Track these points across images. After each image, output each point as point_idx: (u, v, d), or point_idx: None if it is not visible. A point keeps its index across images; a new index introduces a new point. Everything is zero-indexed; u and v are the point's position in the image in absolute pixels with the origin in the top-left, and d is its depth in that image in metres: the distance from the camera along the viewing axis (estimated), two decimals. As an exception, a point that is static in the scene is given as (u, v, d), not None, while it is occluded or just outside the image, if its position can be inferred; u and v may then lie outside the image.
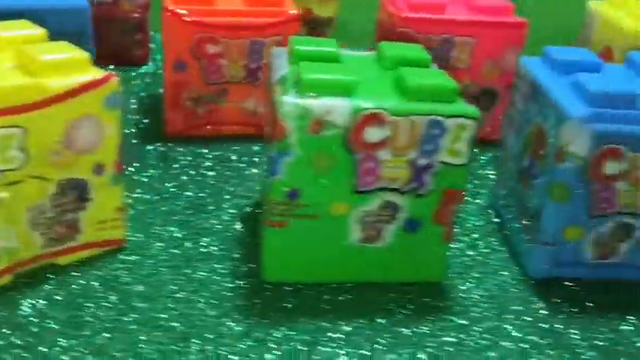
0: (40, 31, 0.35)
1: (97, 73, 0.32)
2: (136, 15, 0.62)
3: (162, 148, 0.49)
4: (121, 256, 0.36)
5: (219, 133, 0.51)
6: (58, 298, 0.33)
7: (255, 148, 0.50)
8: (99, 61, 0.51)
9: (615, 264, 0.36)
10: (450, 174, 0.33)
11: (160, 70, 0.61)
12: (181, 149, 0.49)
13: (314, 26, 0.68)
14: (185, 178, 0.45)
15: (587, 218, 0.35)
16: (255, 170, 0.46)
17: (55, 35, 0.44)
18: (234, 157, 0.48)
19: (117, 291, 0.34)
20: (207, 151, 0.49)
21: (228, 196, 0.43)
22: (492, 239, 0.41)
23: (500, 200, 0.42)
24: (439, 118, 0.31)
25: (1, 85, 0.29)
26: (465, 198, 0.45)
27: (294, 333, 0.32)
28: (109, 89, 0.32)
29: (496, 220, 0.42)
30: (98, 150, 0.33)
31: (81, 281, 0.34)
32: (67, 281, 0.34)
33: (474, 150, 0.51)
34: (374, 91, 0.32)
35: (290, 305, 0.34)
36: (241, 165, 0.47)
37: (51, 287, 0.33)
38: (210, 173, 0.46)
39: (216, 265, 0.36)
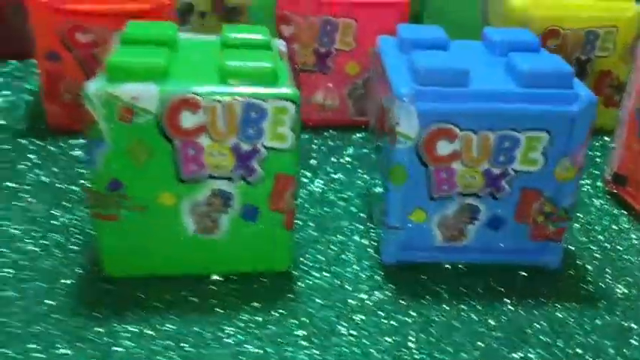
0: None
1: None
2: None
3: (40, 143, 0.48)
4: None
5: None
6: None
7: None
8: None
9: (464, 247, 0.36)
10: (278, 159, 0.32)
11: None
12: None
13: (227, 14, 0.67)
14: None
15: (429, 200, 0.34)
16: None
17: None
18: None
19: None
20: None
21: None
22: (359, 226, 0.40)
23: (370, 186, 0.42)
24: (256, 100, 0.31)
25: None
26: (345, 184, 0.45)
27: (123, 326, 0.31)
28: None
29: (368, 208, 0.42)
30: None
31: None
32: None
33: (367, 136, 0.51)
34: (190, 75, 0.31)
35: (129, 302, 0.33)
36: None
37: None
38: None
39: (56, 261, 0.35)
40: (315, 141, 0.50)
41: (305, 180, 0.45)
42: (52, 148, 0.47)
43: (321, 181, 0.45)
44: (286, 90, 0.31)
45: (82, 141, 0.47)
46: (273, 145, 0.31)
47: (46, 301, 0.33)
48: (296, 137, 0.32)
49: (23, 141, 0.47)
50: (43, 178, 0.43)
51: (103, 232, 0.33)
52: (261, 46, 0.35)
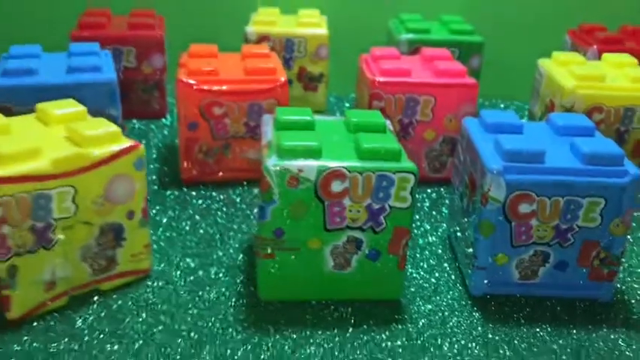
0: (81, 109, 0.46)
1: (126, 143, 0.43)
2: (155, 76, 0.73)
3: (177, 193, 0.59)
4: (148, 282, 0.46)
5: (226, 179, 0.61)
6: (102, 314, 0.43)
7: (255, 191, 0.60)
8: (124, 115, 0.62)
9: (535, 284, 0.46)
10: (398, 215, 0.43)
11: (175, 122, 0.72)
12: (194, 193, 0.59)
13: (308, 81, 0.79)
14: (197, 217, 0.55)
15: (511, 247, 0.44)
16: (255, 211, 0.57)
17: (90, 103, 0.55)
18: (238, 200, 0.59)
19: (146, 309, 0.44)
20: (215, 194, 0.59)
21: (232, 233, 0.53)
22: (446, 265, 0.50)
23: (452, 232, 0.52)
24: (388, 173, 0.41)
25: (60, 155, 0.40)
26: (429, 230, 0.55)
27: (282, 339, 0.42)
28: (137, 155, 0.43)
29: (449, 248, 0.52)
30: (130, 200, 0.43)
31: (119, 302, 0.44)
32: (108, 302, 0.44)
33: (440, 189, 0.61)
34: (337, 153, 0.42)
35: (281, 319, 0.43)
36: (244, 206, 0.58)
37: (97, 307, 0.44)
38: (219, 213, 0.56)
39: (223, 289, 0.46)
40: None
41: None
42: (187, 197, 0.58)
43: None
44: (408, 164, 0.42)
45: (203, 192, 0.59)
46: (396, 205, 0.42)
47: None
48: (413, 199, 0.42)
49: (166, 190, 0.59)
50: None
51: (261, 267, 0.44)
52: (379, 128, 0.46)
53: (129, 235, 0.44)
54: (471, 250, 0.46)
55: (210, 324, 0.43)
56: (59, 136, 0.42)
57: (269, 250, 0.43)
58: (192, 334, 0.42)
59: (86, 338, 0.41)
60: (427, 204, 0.60)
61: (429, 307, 0.46)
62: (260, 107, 0.60)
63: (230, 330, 0.42)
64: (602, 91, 0.61)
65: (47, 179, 0.39)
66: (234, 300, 0.45)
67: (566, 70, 0.64)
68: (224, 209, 0.57)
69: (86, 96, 0.56)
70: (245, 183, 0.61)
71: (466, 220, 0.48)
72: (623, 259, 0.52)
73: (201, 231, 0.53)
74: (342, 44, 0.83)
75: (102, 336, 0.41)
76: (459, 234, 0.50)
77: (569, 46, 0.81)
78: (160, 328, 0.42)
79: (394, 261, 0.44)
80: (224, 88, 0.58)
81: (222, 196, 0.59)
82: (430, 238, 0.54)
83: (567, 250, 0.45)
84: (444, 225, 0.56)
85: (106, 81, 0.56)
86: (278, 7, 0.83)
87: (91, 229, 0.42)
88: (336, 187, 0.41)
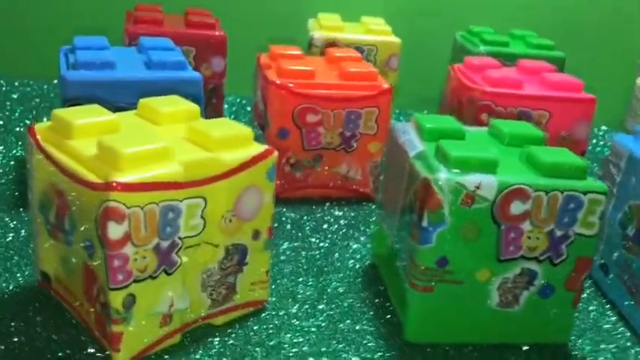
0: (195, 107, 0.38)
1: (258, 148, 0.35)
2: (214, 80, 0.66)
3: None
4: (264, 315, 0.38)
5: (313, 195, 0.54)
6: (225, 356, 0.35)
7: (352, 213, 0.52)
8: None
9: None
10: (582, 244, 0.36)
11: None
12: (283, 209, 0.51)
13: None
14: (296, 241, 0.47)
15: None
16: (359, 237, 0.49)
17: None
18: (332, 220, 0.51)
19: (272, 349, 0.36)
20: (306, 216, 0.51)
21: (338, 255, 0.46)
22: (601, 298, 0.43)
23: (599, 260, 0.45)
24: (576, 193, 0.35)
25: (191, 159, 0.32)
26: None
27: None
28: (270, 162, 0.35)
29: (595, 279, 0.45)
30: (257, 217, 0.36)
31: (240, 341, 0.36)
32: (226, 341, 0.36)
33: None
34: (512, 168, 0.35)
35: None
36: (343, 229, 0.50)
37: (217, 345, 0.36)
38: (316, 236, 0.48)
39: (355, 325, 0.39)
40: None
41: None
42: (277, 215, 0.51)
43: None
44: (598, 184, 0.35)
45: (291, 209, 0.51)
46: (581, 231, 0.35)
47: None
48: (599, 223, 0.36)
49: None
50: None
51: (414, 301, 0.36)
52: (538, 140, 0.39)
53: (251, 258, 0.36)
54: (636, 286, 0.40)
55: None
56: (178, 138, 0.35)
57: (428, 283, 0.36)
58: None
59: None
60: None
61: (601, 354, 0.39)
62: (358, 116, 0.52)
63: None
64: None
65: (178, 187, 0.31)
66: (372, 339, 0.37)
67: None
68: (323, 229, 0.50)
69: (171, 94, 0.48)
70: (332, 202, 0.54)
71: (632, 250, 0.41)
72: None
73: (303, 253, 0.46)
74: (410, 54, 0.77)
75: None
76: (612, 263, 0.43)
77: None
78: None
79: (569, 298, 0.37)
80: (321, 93, 0.51)
81: (317, 215, 0.51)
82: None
83: None
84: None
85: (193, 79, 0.49)
86: (339, 14, 0.76)
87: (216, 251, 0.34)
88: (517, 208, 0.34)
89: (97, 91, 0.46)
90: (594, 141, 0.74)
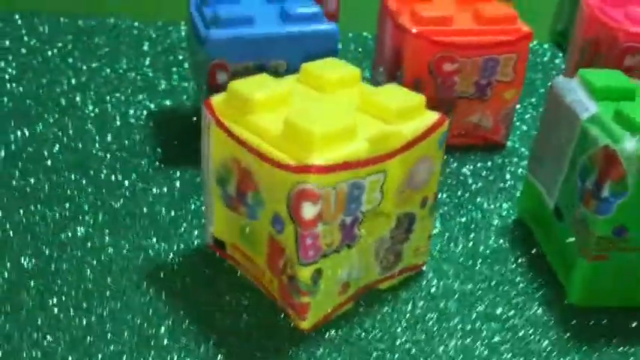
0: (356, 70, 0.38)
1: (432, 116, 0.35)
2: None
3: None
4: (425, 282, 0.39)
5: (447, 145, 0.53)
6: (404, 316, 0.36)
7: (483, 162, 0.52)
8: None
9: None
10: None
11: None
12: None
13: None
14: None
15: None
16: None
17: (311, 56, 0.47)
18: (467, 172, 0.51)
19: (435, 311, 0.37)
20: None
21: (480, 213, 0.46)
22: None
23: None
24: None
25: (375, 135, 0.32)
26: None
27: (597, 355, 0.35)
28: (442, 130, 0.35)
29: None
30: (428, 184, 0.36)
31: (412, 301, 0.37)
32: (400, 304, 0.37)
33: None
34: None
35: (601, 329, 0.36)
36: (479, 183, 0.50)
37: (388, 308, 0.37)
38: (452, 190, 0.48)
39: (521, 285, 0.39)
40: None
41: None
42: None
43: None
44: None
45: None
46: None
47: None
48: None
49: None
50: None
51: (584, 269, 0.36)
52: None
53: (418, 225, 0.37)
54: None
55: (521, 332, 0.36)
56: (352, 108, 0.34)
57: (603, 252, 0.35)
58: (496, 338, 0.35)
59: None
60: None
61: None
62: (496, 63, 0.51)
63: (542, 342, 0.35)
64: None
65: (365, 165, 0.32)
66: (535, 305, 0.38)
67: None
68: (460, 180, 0.49)
69: (306, 48, 0.48)
70: (465, 149, 0.53)
71: None
72: None
73: (445, 208, 0.46)
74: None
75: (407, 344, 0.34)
76: None
77: None
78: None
79: None
80: (461, 40, 0.50)
81: (446, 166, 0.51)
82: None
83: None
84: None
85: (330, 31, 0.48)
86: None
87: (389, 221, 0.35)
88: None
89: (239, 49, 0.46)
90: None
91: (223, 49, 0.46)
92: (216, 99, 0.35)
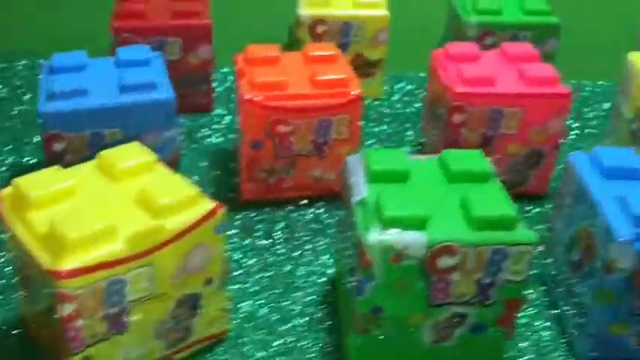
0: (151, 158, 0.40)
1: (207, 206, 0.38)
2: (202, 68, 0.67)
3: (238, 216, 0.54)
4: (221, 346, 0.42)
5: (289, 198, 0.56)
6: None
7: (323, 214, 0.55)
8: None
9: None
10: (511, 288, 0.38)
11: (226, 116, 0.67)
12: (256, 216, 0.54)
13: (365, 67, 0.73)
14: (264, 252, 0.50)
15: (631, 316, 0.40)
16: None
17: (147, 124, 0.50)
18: (301, 224, 0.54)
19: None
20: (280, 217, 0.54)
21: (304, 266, 0.49)
22: (545, 313, 0.46)
23: (551, 274, 0.47)
24: (502, 246, 0.36)
25: (135, 232, 0.35)
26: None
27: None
28: (217, 219, 0.38)
29: (543, 288, 0.47)
30: (208, 268, 0.39)
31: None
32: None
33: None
34: (445, 220, 0.37)
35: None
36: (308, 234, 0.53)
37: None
38: (280, 246, 0.51)
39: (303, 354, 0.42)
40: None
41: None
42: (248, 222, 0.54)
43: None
44: (527, 235, 0.37)
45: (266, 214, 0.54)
46: (509, 278, 0.37)
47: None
48: (528, 269, 0.37)
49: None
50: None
51: (354, 342, 0.39)
52: (484, 177, 0.40)
53: (205, 302, 0.40)
54: (579, 311, 0.42)
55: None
56: (130, 200, 0.37)
57: (365, 326, 0.38)
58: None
59: None
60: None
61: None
62: (330, 123, 0.54)
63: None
64: None
65: (123, 263, 0.35)
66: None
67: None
68: (295, 234, 0.52)
69: (142, 117, 0.51)
70: (307, 201, 0.56)
71: (575, 274, 0.43)
72: None
73: (269, 269, 0.49)
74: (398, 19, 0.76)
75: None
76: (560, 281, 0.45)
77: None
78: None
79: (501, 332, 0.40)
80: (292, 104, 0.52)
81: (287, 221, 0.54)
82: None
83: None
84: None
85: (164, 101, 0.51)
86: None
87: (167, 305, 0.38)
88: (444, 262, 0.37)
89: (73, 120, 0.49)
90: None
91: (57, 121, 0.49)
92: (6, 192, 0.38)
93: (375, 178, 0.40)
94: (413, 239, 0.36)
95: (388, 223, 0.36)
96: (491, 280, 0.37)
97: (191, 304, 0.39)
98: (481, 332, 0.39)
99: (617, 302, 0.39)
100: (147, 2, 0.67)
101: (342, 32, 0.71)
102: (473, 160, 0.42)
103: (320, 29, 0.70)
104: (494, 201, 0.38)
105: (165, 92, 0.51)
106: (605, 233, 0.38)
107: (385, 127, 0.69)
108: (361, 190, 0.40)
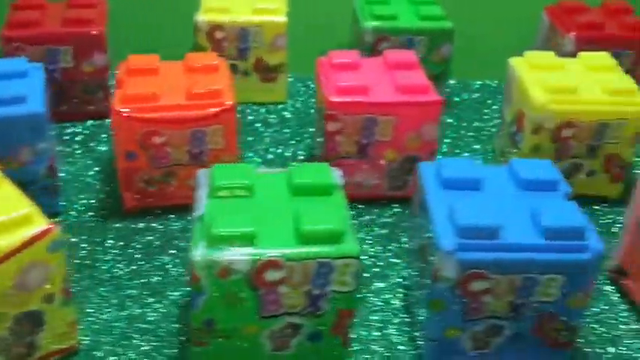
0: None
1: (40, 226, 0.38)
2: (97, 76, 0.67)
3: (119, 225, 0.55)
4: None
5: (173, 206, 0.57)
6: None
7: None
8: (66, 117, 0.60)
9: (490, 353, 0.43)
10: (341, 299, 0.39)
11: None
12: (137, 226, 0.55)
13: (266, 72, 0.74)
14: (141, 263, 0.51)
15: (463, 322, 0.41)
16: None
17: (17, 137, 0.50)
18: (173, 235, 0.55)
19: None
20: (161, 226, 0.55)
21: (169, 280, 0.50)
22: (397, 321, 0.47)
23: (410, 279, 0.49)
24: (327, 260, 0.38)
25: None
26: (383, 269, 0.52)
27: None
28: (51, 239, 0.39)
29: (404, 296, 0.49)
30: (47, 284, 0.39)
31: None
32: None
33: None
34: (274, 236, 0.38)
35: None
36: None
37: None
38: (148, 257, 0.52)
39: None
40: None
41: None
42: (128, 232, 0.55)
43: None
44: (350, 248, 0.38)
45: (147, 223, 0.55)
46: (337, 289, 0.39)
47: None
48: (357, 282, 0.39)
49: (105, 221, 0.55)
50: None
51: (195, 353, 0.41)
52: (326, 190, 0.42)
53: (49, 318, 0.41)
54: (421, 315, 0.43)
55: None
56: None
57: (201, 339, 0.40)
58: None
59: None
60: (385, 231, 0.56)
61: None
62: (204, 134, 0.55)
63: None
64: (575, 106, 0.57)
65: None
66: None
67: (538, 78, 0.59)
68: (170, 244, 0.53)
69: (11, 131, 0.51)
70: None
71: (420, 291, 0.44)
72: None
73: (143, 280, 0.50)
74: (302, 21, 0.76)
75: None
76: (414, 295, 0.47)
77: (547, 26, 0.75)
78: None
79: (338, 340, 0.41)
80: (164, 116, 0.53)
81: (167, 230, 0.55)
82: (384, 282, 0.51)
83: (522, 322, 0.42)
84: (401, 263, 0.52)
85: (33, 114, 0.51)
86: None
87: (3, 321, 0.39)
88: (271, 276, 0.38)
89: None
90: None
91: None
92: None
93: (216, 193, 0.41)
94: (237, 255, 0.37)
95: (214, 240, 0.37)
96: (319, 291, 0.39)
97: (32, 320, 0.40)
98: (318, 341, 0.41)
99: (447, 309, 0.41)
100: (41, 11, 0.68)
101: (241, 38, 0.71)
102: (318, 173, 0.43)
103: (219, 35, 0.71)
104: (325, 215, 0.39)
105: (35, 106, 0.52)
106: (433, 243, 0.40)
107: (287, 130, 0.70)
108: (201, 205, 0.41)
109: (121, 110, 0.52)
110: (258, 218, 0.39)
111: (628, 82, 0.59)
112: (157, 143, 0.54)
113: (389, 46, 0.70)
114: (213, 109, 0.54)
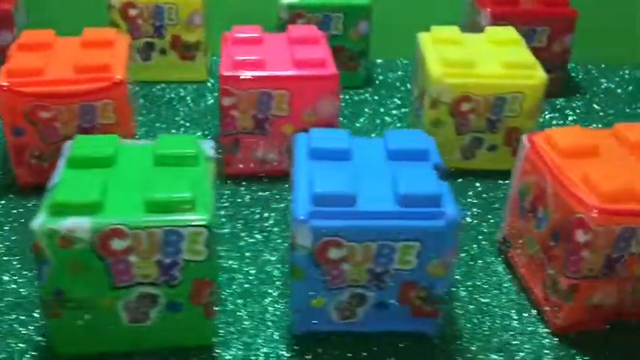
0: None
1: None
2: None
3: (13, 204, 0.55)
4: None
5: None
6: None
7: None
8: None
9: (357, 322, 0.43)
10: (195, 268, 0.39)
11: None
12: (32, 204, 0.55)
13: (184, 50, 0.73)
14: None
15: (326, 290, 0.41)
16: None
17: None
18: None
19: None
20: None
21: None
22: (276, 293, 0.47)
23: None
24: (175, 228, 0.37)
25: None
26: (277, 242, 0.52)
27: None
28: None
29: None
30: None
31: None
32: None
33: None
34: (121, 205, 0.38)
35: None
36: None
37: None
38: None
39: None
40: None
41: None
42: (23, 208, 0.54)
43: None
44: (200, 218, 0.38)
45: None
46: (189, 257, 0.38)
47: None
48: (211, 251, 0.38)
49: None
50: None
51: (52, 324, 0.40)
52: (192, 161, 0.41)
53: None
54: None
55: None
56: None
57: (54, 310, 0.39)
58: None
59: None
60: (282, 205, 0.56)
61: (242, 353, 0.43)
62: (94, 108, 0.54)
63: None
64: (471, 80, 0.57)
65: None
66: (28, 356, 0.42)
67: (438, 53, 0.58)
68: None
69: None
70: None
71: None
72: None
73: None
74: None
75: None
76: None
77: (469, 3, 0.75)
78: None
79: (199, 310, 0.41)
80: (49, 90, 0.52)
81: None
82: (274, 255, 0.51)
83: (385, 291, 0.41)
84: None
85: None
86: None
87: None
88: (117, 244, 0.37)
89: None
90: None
91: None
92: None
93: (73, 164, 0.41)
94: (76, 224, 0.37)
95: (55, 209, 0.37)
96: (171, 260, 0.38)
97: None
98: (178, 311, 0.40)
99: (308, 278, 0.41)
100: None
101: (156, 15, 0.71)
102: (185, 144, 0.43)
103: (132, 12, 0.70)
104: (178, 184, 0.39)
105: None
106: (292, 212, 0.40)
107: (202, 108, 0.69)
108: (56, 175, 0.40)
109: (3, 84, 0.52)
110: (110, 188, 0.38)
111: (527, 56, 0.59)
112: (44, 118, 0.53)
113: (304, 22, 0.70)
114: (100, 84, 0.53)
